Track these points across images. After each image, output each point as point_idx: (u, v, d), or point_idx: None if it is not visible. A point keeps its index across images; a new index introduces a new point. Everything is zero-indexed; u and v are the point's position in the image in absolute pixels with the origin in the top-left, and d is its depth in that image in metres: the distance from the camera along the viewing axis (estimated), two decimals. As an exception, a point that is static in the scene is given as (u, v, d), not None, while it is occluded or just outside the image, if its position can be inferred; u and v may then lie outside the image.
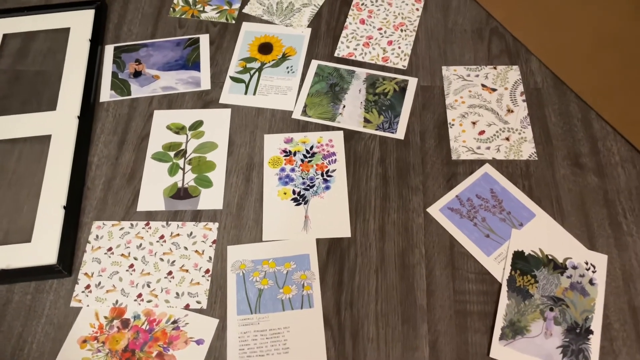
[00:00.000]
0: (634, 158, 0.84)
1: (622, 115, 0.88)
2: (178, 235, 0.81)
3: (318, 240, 0.80)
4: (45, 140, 0.89)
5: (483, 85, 0.93)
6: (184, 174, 0.87)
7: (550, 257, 0.76)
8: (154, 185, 0.86)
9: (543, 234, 0.79)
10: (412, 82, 0.94)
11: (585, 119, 0.89)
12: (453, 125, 0.89)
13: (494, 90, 0.92)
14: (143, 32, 1.02)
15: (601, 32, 0.97)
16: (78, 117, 0.91)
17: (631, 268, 0.75)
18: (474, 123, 0.89)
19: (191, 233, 0.81)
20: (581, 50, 0.96)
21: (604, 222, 0.79)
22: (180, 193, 0.85)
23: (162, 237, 0.81)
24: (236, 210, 0.83)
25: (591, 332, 0.71)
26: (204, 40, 1.01)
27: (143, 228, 0.82)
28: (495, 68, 0.95)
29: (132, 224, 0.82)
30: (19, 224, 0.82)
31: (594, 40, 0.96)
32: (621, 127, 0.87)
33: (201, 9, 1.04)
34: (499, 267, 0.77)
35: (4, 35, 1.01)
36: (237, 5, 1.05)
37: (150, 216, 0.83)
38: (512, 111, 0.90)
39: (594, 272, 0.75)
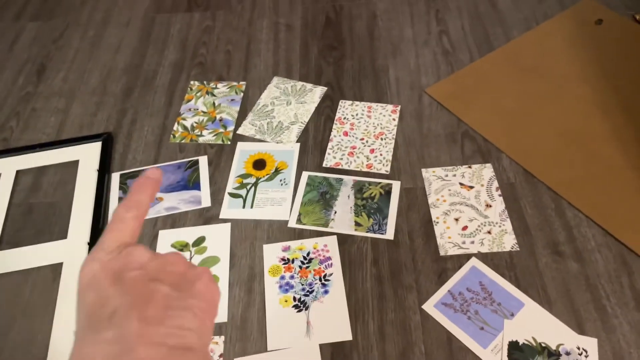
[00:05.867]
0: (608, 242, 0.91)
1: (592, 203, 0.95)
2: (186, 352, 0.84)
3: (321, 346, 0.84)
4: (57, 268, 0.95)
5: (461, 184, 1.01)
6: (189, 290, 0.91)
7: (543, 345, 0.80)
8: (161, 303, 0.90)
9: (534, 322, 0.83)
10: (396, 185, 1.03)
11: (558, 208, 0.96)
12: (438, 222, 0.96)
13: (472, 187, 1.00)
14: (146, 158, 1.11)
15: (563, 129, 1.07)
16: (88, 243, 0.97)
17: (621, 350, 0.79)
18: (456, 219, 0.96)
19: (199, 349, 0.84)
20: (546, 146, 1.05)
21: (589, 306, 0.84)
22: (187, 309, 0.89)
23: (170, 355, 0.84)
24: (240, 322, 0.87)
25: (594, 418, 0.73)
26: (203, 161, 1.10)
27: (152, 347, 0.85)
28: (470, 167, 1.03)
29: (141, 344, 0.85)
30: (33, 354, 0.85)
31: (558, 137, 1.06)
32: (592, 214, 0.94)
33: (199, 133, 1.15)
34: (496, 358, 0.80)
35: (17, 172, 1.10)
36: (231, 128, 1.15)
37: (158, 335, 0.86)
38: (490, 206, 0.97)
39: (586, 356, 0.78)
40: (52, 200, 1.06)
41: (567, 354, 0.79)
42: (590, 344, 0.79)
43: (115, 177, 1.08)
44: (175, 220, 1.01)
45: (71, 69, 1.31)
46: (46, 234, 1.00)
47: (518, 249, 0.91)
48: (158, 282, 0.32)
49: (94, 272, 0.32)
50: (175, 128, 1.16)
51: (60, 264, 0.95)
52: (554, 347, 0.79)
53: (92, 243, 0.97)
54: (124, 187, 1.07)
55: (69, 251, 0.97)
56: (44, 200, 1.06)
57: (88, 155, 1.11)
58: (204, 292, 0.33)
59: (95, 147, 1.12)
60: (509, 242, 0.92)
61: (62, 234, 0.99)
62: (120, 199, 1.05)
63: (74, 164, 1.10)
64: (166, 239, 0.98)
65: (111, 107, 1.22)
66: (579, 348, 0.79)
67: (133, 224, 0.36)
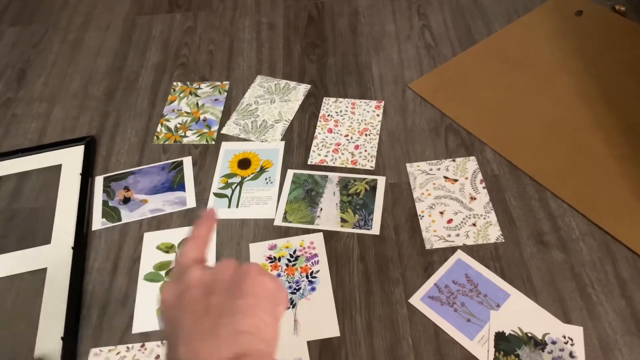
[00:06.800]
0: (592, 231, 0.91)
1: (575, 193, 0.96)
2: (173, 353, 0.84)
3: (309, 343, 0.83)
4: (41, 273, 0.94)
5: (445, 177, 1.01)
6: (175, 291, 0.91)
7: (529, 335, 0.80)
8: (148, 306, 0.90)
9: (520, 312, 0.83)
10: (381, 181, 1.02)
11: (542, 199, 0.96)
12: (423, 216, 0.96)
13: (456, 180, 1.01)
14: (130, 160, 1.10)
15: (546, 120, 1.08)
16: (72, 247, 0.96)
17: (607, 337, 0.79)
18: (441, 213, 0.96)
19: (186, 350, 0.84)
20: (530, 137, 1.06)
21: (574, 295, 0.84)
22: (173, 311, 0.88)
23: (157, 357, 0.84)
24: (228, 321, 0.87)
25: (581, 406, 0.73)
26: (187, 162, 1.09)
27: (139, 350, 0.85)
28: (454, 160, 1.04)
29: (128, 347, 0.85)
30: (17, 361, 0.84)
31: (540, 128, 1.07)
32: (576, 203, 0.94)
33: (183, 134, 1.14)
34: (483, 349, 0.80)
35: (-1, 178, 1.09)
36: (215, 128, 1.15)
37: (145, 337, 0.86)
38: (474, 198, 0.97)
39: (572, 345, 0.79)
40: (35, 205, 1.05)
41: (553, 342, 0.79)
42: (576, 332, 0.80)
43: (98, 180, 1.07)
44: (160, 222, 1.00)
45: (52, 74, 1.30)
46: (29, 239, 0.99)
47: (503, 240, 0.91)
48: (212, 294, 0.34)
49: (165, 298, 0.36)
50: (158, 129, 1.15)
51: (44, 269, 0.94)
52: (540, 337, 0.80)
53: (76, 247, 0.96)
54: (107, 191, 1.06)
55: (52, 256, 0.96)
56: (26, 205, 1.05)
57: (71, 159, 1.10)
58: (252, 287, 0.34)
59: (78, 151, 1.11)
60: (494, 234, 0.92)
61: (46, 239, 0.98)
62: (104, 202, 1.04)
63: (57, 169, 1.09)
64: (151, 241, 0.98)
65: (93, 110, 1.21)
66: (564, 337, 0.79)
67: (194, 253, 0.40)
